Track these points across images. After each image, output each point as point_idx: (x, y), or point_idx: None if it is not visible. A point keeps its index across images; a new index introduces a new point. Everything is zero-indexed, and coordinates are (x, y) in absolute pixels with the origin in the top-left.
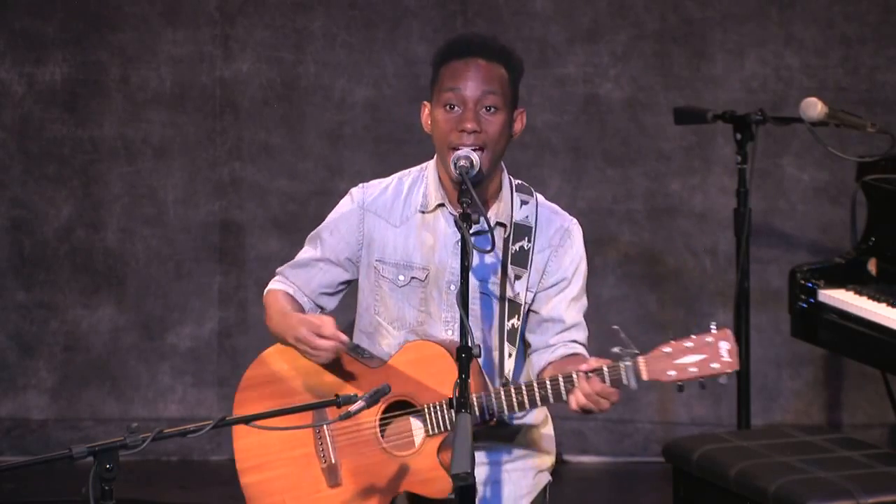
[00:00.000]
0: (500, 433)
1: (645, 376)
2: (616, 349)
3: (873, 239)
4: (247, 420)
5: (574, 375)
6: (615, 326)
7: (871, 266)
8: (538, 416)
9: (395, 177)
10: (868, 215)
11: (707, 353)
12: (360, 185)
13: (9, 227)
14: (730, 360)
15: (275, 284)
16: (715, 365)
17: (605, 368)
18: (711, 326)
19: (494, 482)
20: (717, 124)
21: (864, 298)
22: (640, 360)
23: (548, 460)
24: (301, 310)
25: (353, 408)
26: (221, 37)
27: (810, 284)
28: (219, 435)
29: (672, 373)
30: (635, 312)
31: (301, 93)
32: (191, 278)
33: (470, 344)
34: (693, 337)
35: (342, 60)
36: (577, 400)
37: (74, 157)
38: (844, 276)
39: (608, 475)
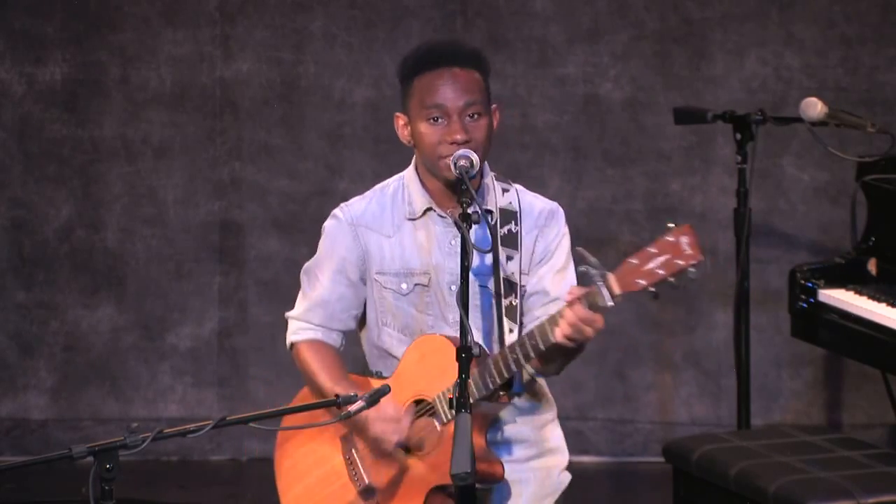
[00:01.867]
0: (521, 431)
1: (617, 290)
2: (583, 269)
3: (873, 239)
4: (246, 420)
5: (556, 313)
6: (579, 248)
7: (871, 266)
8: (550, 414)
9: (374, 190)
10: (868, 215)
11: (670, 251)
12: (341, 205)
13: (9, 227)
14: (691, 252)
15: (298, 335)
16: (679, 261)
17: (581, 295)
18: (669, 225)
19: (520, 481)
20: (717, 124)
21: (864, 298)
22: (610, 276)
23: (565, 459)
24: (335, 352)
25: (353, 408)
26: (221, 37)
27: (810, 284)
28: (219, 435)
29: (641, 280)
30: (635, 312)
31: (301, 93)
32: (191, 278)
33: (470, 344)
34: (655, 241)
35: (342, 60)
36: (561, 330)
37: (74, 157)
38: (844, 276)
39: (608, 475)
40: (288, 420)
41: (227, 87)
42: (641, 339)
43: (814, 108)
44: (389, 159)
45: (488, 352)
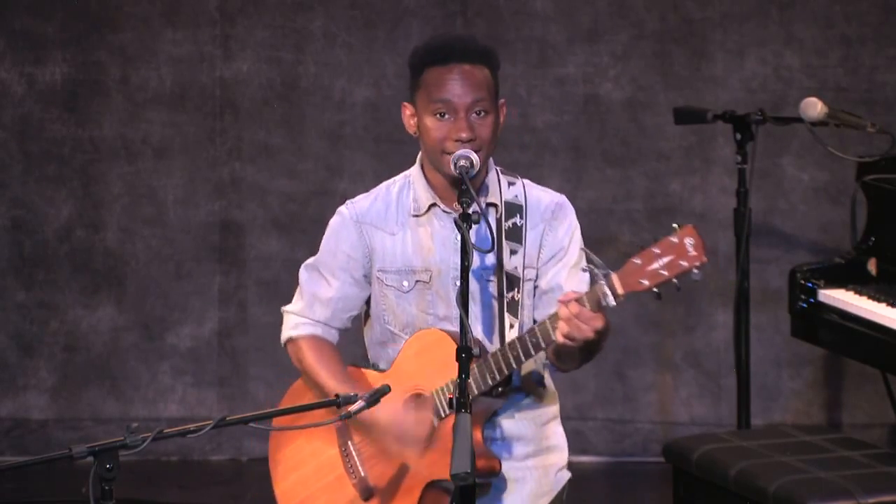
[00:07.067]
0: (522, 428)
1: (620, 290)
2: (586, 268)
3: (873, 239)
4: (246, 420)
5: (557, 311)
6: (582, 247)
7: (871, 266)
8: (553, 410)
9: (381, 187)
10: (868, 215)
11: (674, 252)
12: (347, 202)
13: (9, 227)
14: (695, 253)
15: (298, 330)
16: (683, 262)
17: (584, 294)
18: (675, 226)
19: (517, 480)
20: (717, 124)
21: (864, 298)
22: (614, 276)
23: (565, 457)
24: (334, 348)
25: (354, 408)
26: (221, 37)
27: (810, 284)
28: (219, 435)
29: (645, 281)
30: (635, 312)
31: (301, 93)
32: (191, 278)
33: (470, 343)
34: (659, 241)
35: (342, 60)
36: (560, 330)
37: (74, 157)
38: (844, 276)
39: (608, 475)
40: (287, 418)
41: (227, 87)
42: (641, 339)
43: (814, 108)
44: (389, 159)
45: (487, 349)
